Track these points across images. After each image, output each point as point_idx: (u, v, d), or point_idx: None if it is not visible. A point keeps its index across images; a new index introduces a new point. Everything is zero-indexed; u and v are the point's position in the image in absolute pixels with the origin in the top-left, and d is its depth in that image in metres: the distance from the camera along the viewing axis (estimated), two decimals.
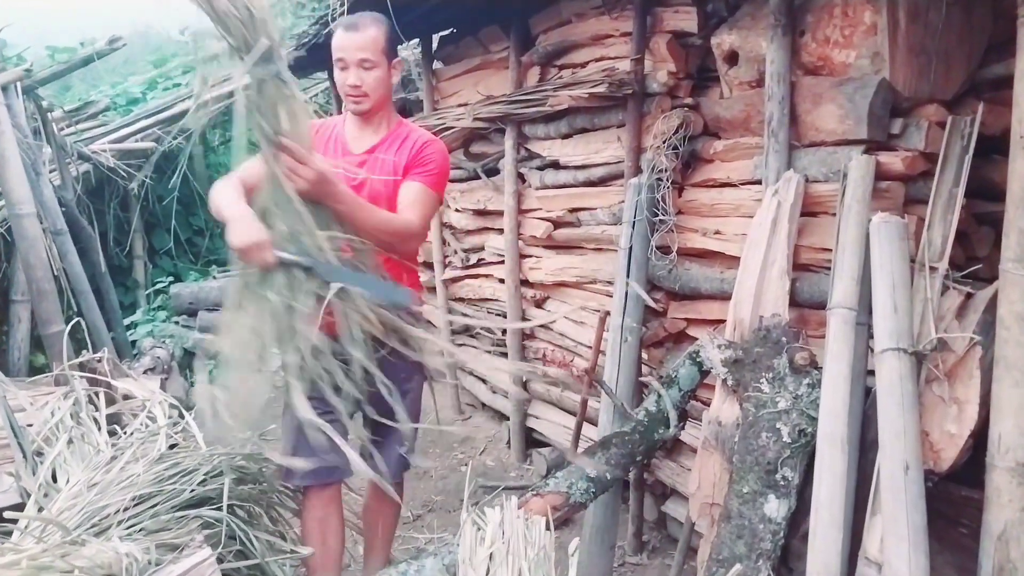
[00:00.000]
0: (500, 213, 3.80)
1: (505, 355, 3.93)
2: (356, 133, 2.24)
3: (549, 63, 3.41)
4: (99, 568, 1.51)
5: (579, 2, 3.14)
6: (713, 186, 2.68)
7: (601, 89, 2.84)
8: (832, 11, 2.20)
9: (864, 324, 2.00)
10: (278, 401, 2.00)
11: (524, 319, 3.75)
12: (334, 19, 3.55)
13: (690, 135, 2.68)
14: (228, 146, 7.62)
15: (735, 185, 2.57)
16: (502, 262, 3.86)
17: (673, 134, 2.65)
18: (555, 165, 3.42)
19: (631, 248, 2.75)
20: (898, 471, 1.75)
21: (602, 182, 3.15)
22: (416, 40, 4.61)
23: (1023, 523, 1.68)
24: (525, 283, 3.76)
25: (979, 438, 1.79)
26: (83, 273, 4.98)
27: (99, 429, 2.39)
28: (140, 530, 1.77)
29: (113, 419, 2.54)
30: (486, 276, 4.16)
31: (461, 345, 4.40)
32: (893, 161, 2.11)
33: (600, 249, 3.23)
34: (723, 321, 2.38)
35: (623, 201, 2.86)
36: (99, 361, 2.79)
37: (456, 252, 4.40)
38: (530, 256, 3.71)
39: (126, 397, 2.74)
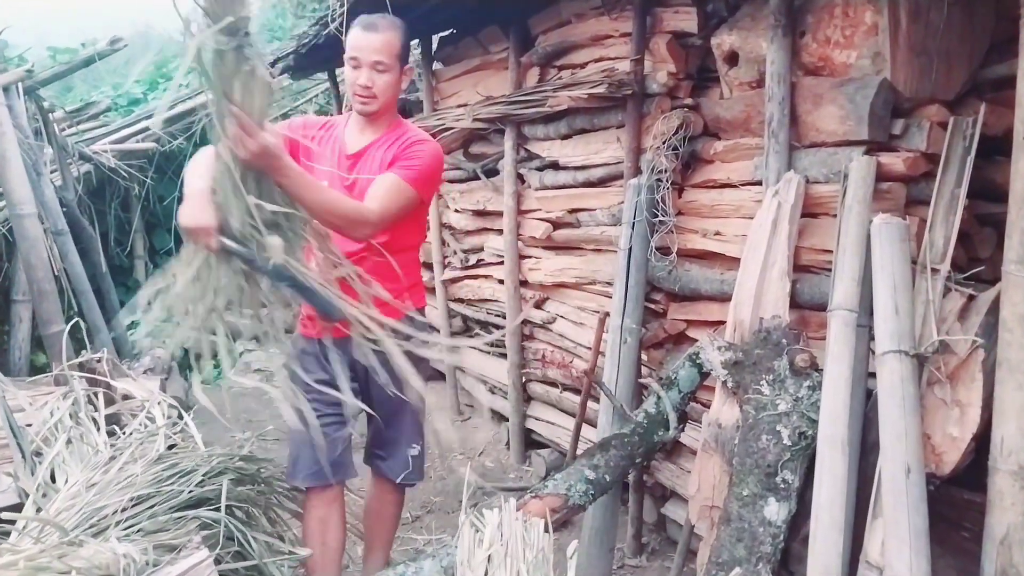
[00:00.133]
0: (499, 214, 3.79)
1: (504, 356, 3.93)
2: (356, 133, 2.24)
3: (549, 64, 3.40)
4: (97, 569, 1.51)
5: (579, 2, 3.13)
6: (713, 187, 2.68)
7: (601, 90, 2.84)
8: (833, 11, 2.20)
9: (865, 326, 1.99)
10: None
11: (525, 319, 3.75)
12: (334, 19, 3.55)
13: (690, 136, 2.67)
14: None
15: (735, 186, 2.56)
16: (501, 263, 3.86)
17: (673, 135, 2.65)
18: (555, 166, 3.41)
19: (631, 249, 2.74)
20: (899, 474, 1.74)
21: (602, 183, 3.14)
22: (416, 40, 4.60)
23: None
24: (524, 284, 3.76)
25: (981, 441, 1.78)
26: (84, 273, 4.98)
27: (98, 429, 2.39)
28: (138, 531, 1.77)
29: (112, 419, 2.54)
30: (485, 277, 4.15)
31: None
32: (894, 162, 2.10)
33: (599, 250, 3.22)
34: (723, 323, 2.37)
35: (623, 202, 2.86)
36: (98, 361, 2.78)
37: (455, 252, 4.39)
38: (529, 257, 3.70)
39: (125, 397, 2.74)
